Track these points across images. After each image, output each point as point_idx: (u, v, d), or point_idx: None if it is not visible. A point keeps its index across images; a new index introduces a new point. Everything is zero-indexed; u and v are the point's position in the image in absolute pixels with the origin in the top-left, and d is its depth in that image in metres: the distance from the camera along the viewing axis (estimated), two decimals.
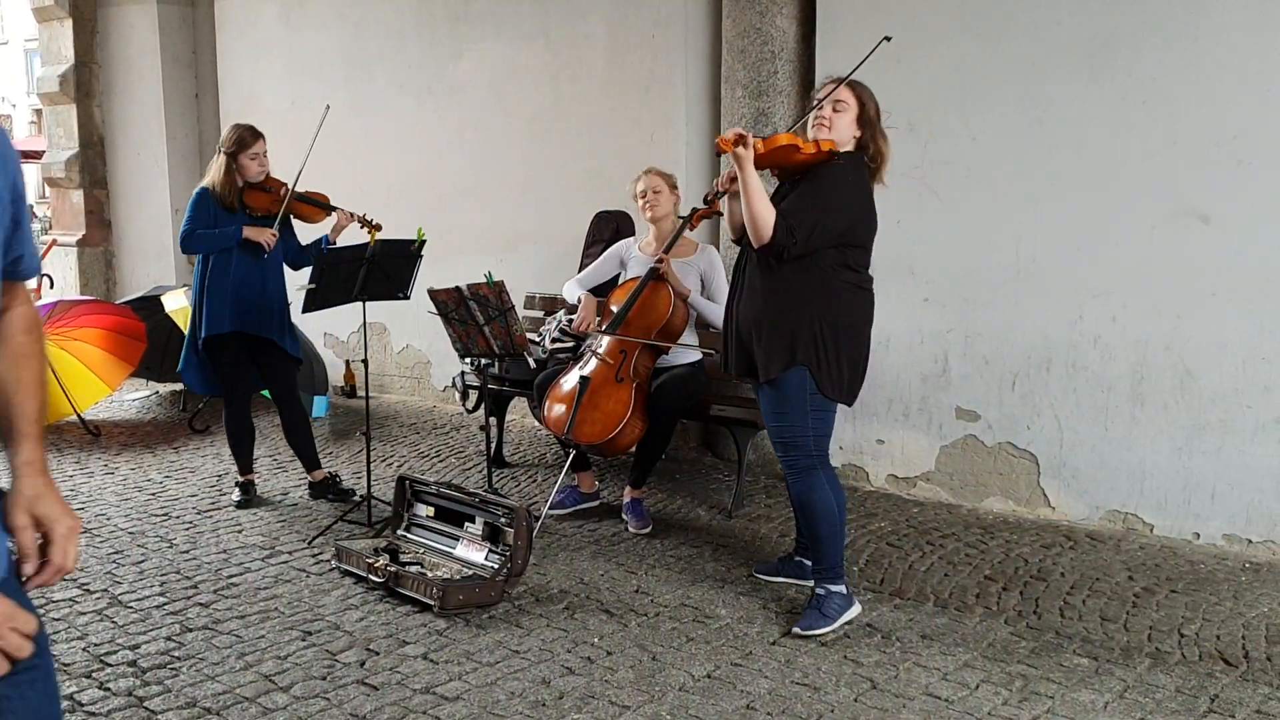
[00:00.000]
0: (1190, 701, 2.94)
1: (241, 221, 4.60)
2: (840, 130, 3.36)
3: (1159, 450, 4.33)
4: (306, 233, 4.90)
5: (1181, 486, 4.29)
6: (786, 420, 3.40)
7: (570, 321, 4.91)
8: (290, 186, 4.68)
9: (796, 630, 3.37)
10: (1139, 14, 4.24)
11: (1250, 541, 4.16)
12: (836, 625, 3.40)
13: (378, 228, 4.79)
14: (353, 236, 4.73)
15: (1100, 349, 4.43)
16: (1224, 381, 4.17)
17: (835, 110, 3.36)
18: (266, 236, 4.57)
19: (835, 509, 3.42)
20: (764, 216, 3.27)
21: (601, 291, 4.86)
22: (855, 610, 3.49)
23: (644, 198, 4.58)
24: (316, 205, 4.80)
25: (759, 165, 3.38)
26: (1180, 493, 4.30)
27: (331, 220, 4.81)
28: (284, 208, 4.65)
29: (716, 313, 4.48)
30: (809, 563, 3.72)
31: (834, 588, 3.43)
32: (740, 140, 3.24)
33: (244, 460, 4.86)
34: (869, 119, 3.38)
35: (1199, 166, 4.16)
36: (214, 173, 4.64)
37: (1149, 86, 4.23)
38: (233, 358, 4.67)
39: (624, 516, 4.48)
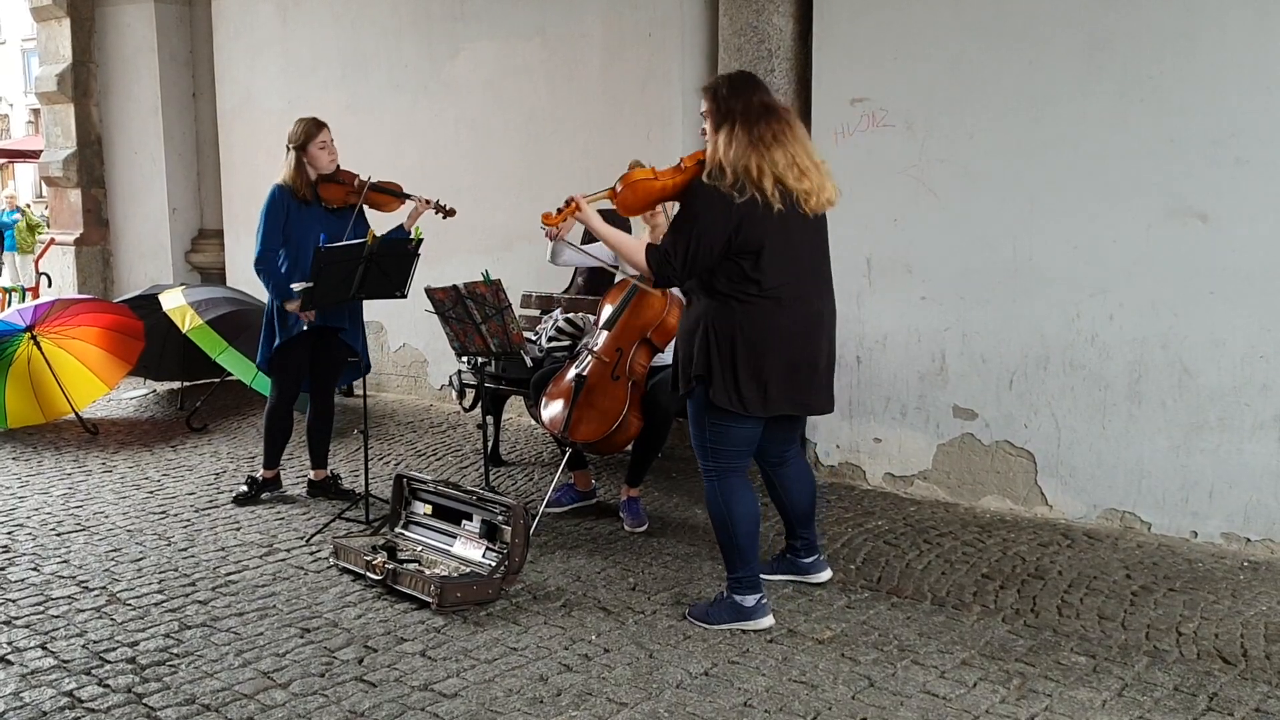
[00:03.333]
0: (1189, 700, 2.94)
1: (316, 218, 4.60)
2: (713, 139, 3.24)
3: (1157, 448, 4.33)
4: (381, 222, 4.80)
5: (1179, 485, 4.29)
6: (694, 429, 3.41)
7: (557, 325, 4.91)
8: (367, 179, 4.66)
9: (686, 613, 3.47)
10: (1137, 12, 4.24)
11: (1248, 540, 4.16)
12: (716, 628, 3.37)
13: (451, 213, 4.75)
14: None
15: (1098, 347, 4.44)
16: (1222, 379, 4.17)
17: (708, 123, 3.27)
18: (308, 317, 4.50)
19: (730, 519, 3.36)
20: (633, 256, 3.35)
21: (595, 288, 4.86)
22: (750, 624, 3.36)
23: None
24: (391, 194, 4.76)
25: (629, 212, 3.46)
26: (1178, 491, 4.30)
27: (407, 208, 4.75)
28: (360, 200, 4.65)
29: None
30: (804, 558, 3.75)
31: (738, 597, 3.38)
32: (568, 209, 3.40)
33: (276, 455, 4.89)
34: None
35: (1197, 164, 4.16)
36: (286, 169, 4.64)
37: (1147, 85, 4.24)
38: (296, 353, 4.70)
39: (620, 515, 4.48)
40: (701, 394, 3.30)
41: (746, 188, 3.14)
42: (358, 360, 4.86)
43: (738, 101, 3.20)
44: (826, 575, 3.76)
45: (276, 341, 4.64)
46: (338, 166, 4.72)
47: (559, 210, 3.45)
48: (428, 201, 4.71)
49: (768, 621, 3.39)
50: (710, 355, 3.25)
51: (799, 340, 3.31)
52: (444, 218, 4.76)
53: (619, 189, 3.36)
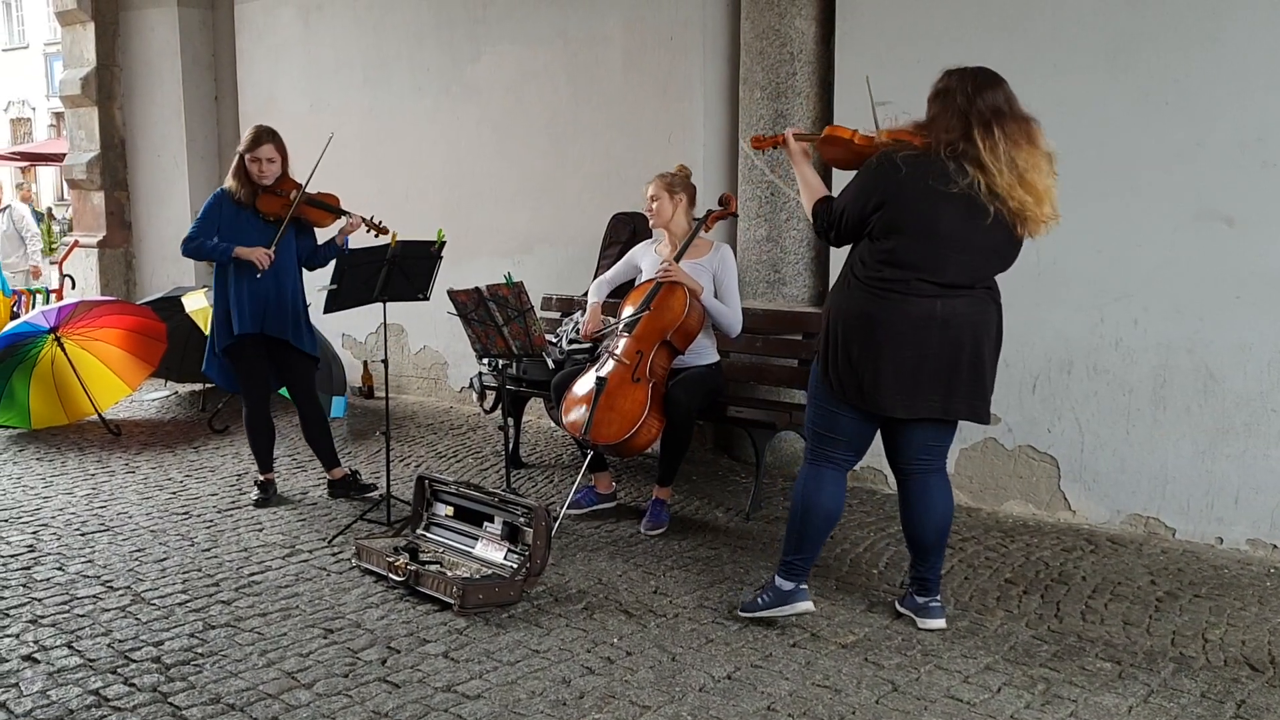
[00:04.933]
0: (1216, 707, 2.92)
1: (252, 225, 4.62)
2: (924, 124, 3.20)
3: (1181, 454, 4.30)
4: (322, 234, 4.88)
5: (1204, 491, 4.26)
6: (807, 407, 3.48)
7: (577, 328, 4.93)
8: (301, 189, 4.67)
9: (739, 610, 3.51)
10: (1162, 14, 4.22)
11: (1275, 547, 4.13)
12: (757, 615, 3.43)
13: (384, 230, 4.77)
14: (361, 239, 4.74)
15: (1122, 352, 4.41)
16: (1248, 385, 4.14)
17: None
18: (258, 255, 4.53)
19: (805, 507, 3.36)
20: (805, 205, 3.48)
21: (619, 293, 4.87)
22: (788, 609, 3.41)
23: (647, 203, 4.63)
24: (325, 209, 4.76)
25: (824, 159, 3.58)
26: (1203, 497, 4.27)
27: (340, 224, 4.78)
28: (291, 213, 4.64)
29: (725, 314, 4.48)
30: (918, 596, 3.50)
31: (780, 579, 3.44)
32: (776, 136, 3.67)
33: (263, 459, 4.88)
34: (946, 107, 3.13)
35: (1223, 168, 4.13)
36: (230, 171, 4.69)
37: (1173, 87, 4.21)
38: (250, 358, 4.71)
39: (648, 515, 4.46)
40: (815, 373, 3.37)
41: (947, 157, 3.06)
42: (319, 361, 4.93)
43: (979, 98, 3.13)
44: (937, 624, 3.41)
45: (218, 348, 4.69)
46: (281, 178, 4.69)
47: (769, 135, 3.79)
48: (362, 219, 4.72)
49: (805, 605, 3.43)
50: (827, 336, 3.30)
51: (881, 336, 3.19)
52: (376, 235, 4.76)
53: (823, 133, 3.51)
